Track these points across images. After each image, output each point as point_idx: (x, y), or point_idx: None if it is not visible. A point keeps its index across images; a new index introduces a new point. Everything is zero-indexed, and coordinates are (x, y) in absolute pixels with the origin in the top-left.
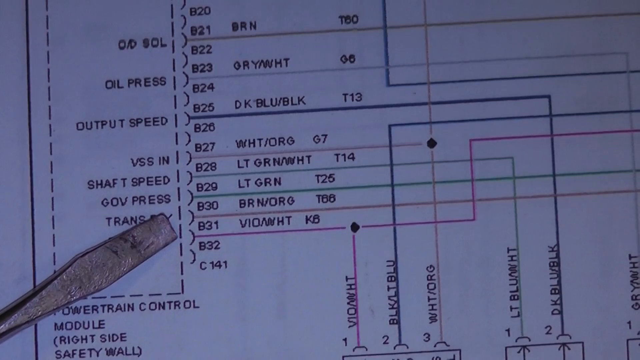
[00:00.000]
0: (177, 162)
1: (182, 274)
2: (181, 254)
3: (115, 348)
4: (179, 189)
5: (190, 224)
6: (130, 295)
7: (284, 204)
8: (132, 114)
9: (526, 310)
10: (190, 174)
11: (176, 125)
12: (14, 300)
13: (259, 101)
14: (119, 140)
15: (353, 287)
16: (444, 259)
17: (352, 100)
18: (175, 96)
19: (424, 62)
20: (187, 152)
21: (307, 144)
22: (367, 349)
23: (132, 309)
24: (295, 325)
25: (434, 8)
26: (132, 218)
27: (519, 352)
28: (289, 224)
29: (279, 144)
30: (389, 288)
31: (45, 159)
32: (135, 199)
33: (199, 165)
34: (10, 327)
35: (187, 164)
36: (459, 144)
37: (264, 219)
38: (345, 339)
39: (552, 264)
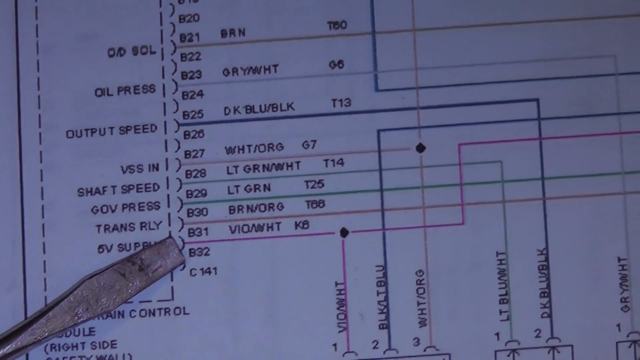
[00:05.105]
0: (167, 169)
1: (172, 280)
2: None
3: (106, 355)
4: (168, 195)
5: (179, 231)
6: None
7: (273, 210)
8: (121, 122)
9: (515, 313)
10: (180, 180)
11: (165, 132)
12: (5, 305)
13: (248, 107)
14: (108, 148)
15: (343, 292)
16: (433, 264)
17: (341, 105)
18: (164, 103)
19: (413, 67)
20: (177, 159)
21: (296, 149)
22: (357, 354)
23: (123, 316)
24: (285, 331)
25: (423, 13)
26: (122, 225)
27: (508, 355)
28: (278, 229)
29: (268, 150)
30: (378, 293)
31: (35, 167)
32: (125, 206)
33: (189, 172)
34: (16, 348)
35: (177, 171)
36: (448, 148)
37: (253, 225)
38: (335, 344)
39: (541, 267)
